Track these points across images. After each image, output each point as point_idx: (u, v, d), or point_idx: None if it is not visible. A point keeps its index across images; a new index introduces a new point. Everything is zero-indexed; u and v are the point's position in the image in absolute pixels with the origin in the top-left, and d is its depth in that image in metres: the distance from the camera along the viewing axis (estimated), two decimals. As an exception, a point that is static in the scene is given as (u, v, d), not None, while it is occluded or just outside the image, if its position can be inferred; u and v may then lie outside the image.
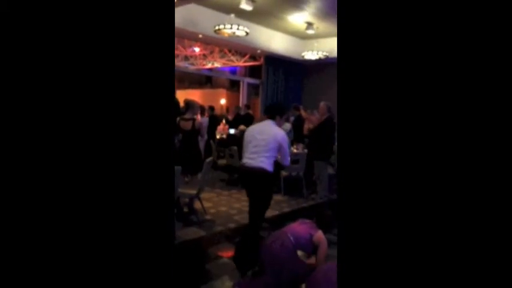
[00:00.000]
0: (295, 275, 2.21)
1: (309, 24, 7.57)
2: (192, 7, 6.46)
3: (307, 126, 5.53)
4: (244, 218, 4.03)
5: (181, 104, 5.82)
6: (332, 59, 8.62)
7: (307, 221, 2.51)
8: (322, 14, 6.98)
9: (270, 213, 4.29)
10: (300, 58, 8.75)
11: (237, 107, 8.18)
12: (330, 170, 5.01)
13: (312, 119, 5.44)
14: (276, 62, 9.45)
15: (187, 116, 4.12)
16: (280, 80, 9.76)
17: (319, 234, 2.33)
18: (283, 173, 5.10)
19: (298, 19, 7.43)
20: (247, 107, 7.84)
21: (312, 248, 2.32)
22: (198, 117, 4.35)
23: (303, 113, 6.18)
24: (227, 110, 6.90)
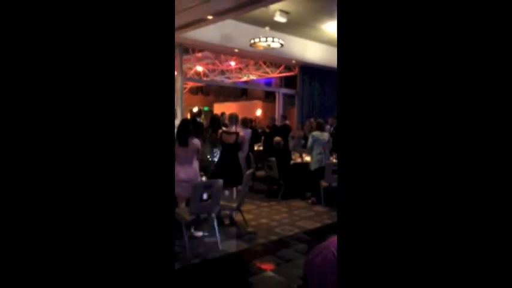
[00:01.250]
0: None
1: (344, 32, 7.47)
2: (228, 22, 6.63)
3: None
4: (285, 230, 3.99)
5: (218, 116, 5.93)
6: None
7: None
8: (358, 21, 6.87)
9: (311, 225, 4.24)
10: (335, 67, 8.63)
11: (272, 118, 8.16)
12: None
13: None
14: (311, 72, 9.41)
15: (230, 129, 4.20)
16: (315, 89, 9.69)
17: None
18: (323, 184, 5.02)
19: (332, 27, 7.37)
20: (284, 117, 7.80)
21: None
22: (240, 130, 4.42)
23: None
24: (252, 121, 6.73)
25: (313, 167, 5.14)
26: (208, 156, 4.62)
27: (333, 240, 2.44)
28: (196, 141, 3.50)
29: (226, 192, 4.40)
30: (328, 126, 6.25)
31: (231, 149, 4.16)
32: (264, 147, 6.65)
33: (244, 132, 6.12)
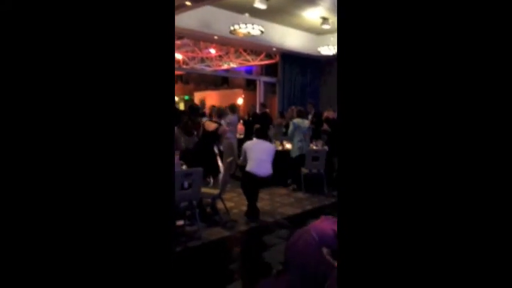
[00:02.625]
0: (320, 274, 2.19)
1: (324, 19, 7.48)
2: (206, 9, 6.51)
3: (326, 115, 5.58)
4: (266, 217, 4.04)
5: (197, 104, 5.88)
6: (349, 53, 8.49)
7: (330, 217, 2.48)
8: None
9: (291, 211, 4.30)
10: (316, 54, 8.67)
11: (253, 106, 8.15)
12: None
13: (331, 116, 5.41)
14: (292, 59, 9.40)
15: (214, 119, 4.23)
16: (296, 77, 9.70)
17: None
18: (304, 170, 5.08)
19: (313, 15, 7.36)
20: (264, 106, 7.83)
21: (337, 244, 2.28)
22: (223, 124, 4.50)
23: (330, 113, 6.08)
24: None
25: (294, 154, 5.19)
26: (183, 145, 4.61)
27: (313, 224, 2.49)
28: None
29: (211, 181, 4.39)
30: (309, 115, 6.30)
31: (208, 137, 4.14)
32: (244, 135, 6.65)
33: (232, 118, 6.15)
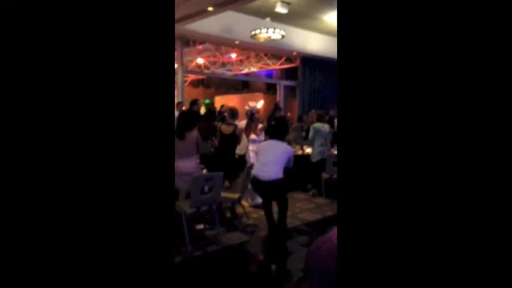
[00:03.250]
0: None
1: (346, 23, 7.40)
2: (228, 14, 6.57)
3: None
4: (287, 223, 4.01)
5: (218, 108, 5.88)
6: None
7: None
8: (360, 11, 6.79)
9: (312, 217, 4.25)
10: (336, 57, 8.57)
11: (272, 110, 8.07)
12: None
13: None
14: (312, 63, 9.34)
15: (229, 121, 4.22)
16: (317, 81, 9.63)
17: None
18: (325, 175, 5.01)
19: (333, 18, 7.29)
20: (280, 109, 7.70)
21: None
22: (240, 123, 4.47)
23: None
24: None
25: (314, 159, 5.13)
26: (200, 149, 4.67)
27: (335, 231, 2.44)
28: (193, 134, 3.49)
29: (226, 184, 4.41)
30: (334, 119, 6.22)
31: (228, 141, 4.15)
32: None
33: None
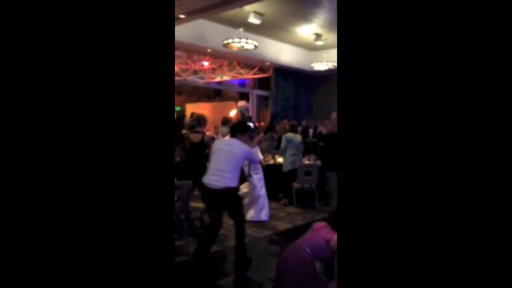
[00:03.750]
0: None
1: (318, 36, 7.58)
2: (201, 22, 6.54)
3: (319, 130, 5.61)
4: (256, 232, 3.96)
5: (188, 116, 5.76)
6: (341, 69, 8.58)
7: (322, 224, 2.38)
8: (331, 25, 6.98)
9: (283, 226, 4.23)
10: (309, 69, 8.75)
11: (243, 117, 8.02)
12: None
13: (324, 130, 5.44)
14: (285, 74, 9.47)
15: (197, 129, 4.14)
16: (289, 91, 9.75)
17: (335, 239, 2.19)
18: (296, 185, 5.03)
19: (306, 31, 7.46)
20: (249, 118, 7.66)
21: (331, 255, 2.19)
22: (207, 131, 4.39)
23: (323, 128, 6.07)
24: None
25: (286, 169, 5.15)
26: None
27: (306, 238, 2.42)
28: None
29: (196, 193, 4.31)
30: (310, 129, 6.27)
31: (196, 149, 4.08)
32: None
33: (226, 131, 6.05)
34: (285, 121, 6.51)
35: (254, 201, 4.35)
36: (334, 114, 4.80)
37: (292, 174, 5.04)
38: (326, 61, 8.16)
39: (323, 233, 2.26)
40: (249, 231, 3.98)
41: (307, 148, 5.76)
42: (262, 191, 4.39)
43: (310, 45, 8.38)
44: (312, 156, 5.65)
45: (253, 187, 4.33)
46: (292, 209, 4.91)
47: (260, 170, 4.43)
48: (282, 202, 5.19)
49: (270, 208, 4.91)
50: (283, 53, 8.67)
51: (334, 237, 2.19)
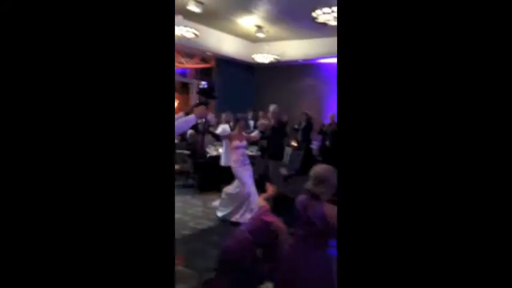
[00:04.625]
0: (256, 274, 2.13)
1: (259, 28, 7.65)
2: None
3: (261, 122, 5.69)
4: (199, 224, 3.94)
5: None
6: (283, 62, 8.79)
7: (264, 208, 2.40)
8: (272, 18, 7.08)
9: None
10: (252, 61, 8.81)
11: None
12: (284, 171, 5.09)
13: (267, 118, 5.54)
14: (227, 65, 9.42)
15: None
16: (231, 82, 9.74)
17: (276, 223, 2.23)
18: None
19: (247, 22, 7.47)
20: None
21: (273, 237, 2.23)
22: None
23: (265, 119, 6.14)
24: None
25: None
26: None
27: (248, 224, 2.44)
28: None
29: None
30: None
31: None
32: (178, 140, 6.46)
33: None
34: (227, 113, 6.51)
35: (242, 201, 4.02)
36: (275, 107, 4.93)
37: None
38: (268, 53, 8.28)
39: (265, 217, 2.30)
40: (192, 223, 3.95)
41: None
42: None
43: (252, 36, 8.43)
44: (254, 148, 5.75)
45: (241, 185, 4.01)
46: (234, 200, 4.95)
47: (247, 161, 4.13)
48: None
49: (212, 199, 4.92)
50: (225, 43, 8.61)
51: (275, 221, 2.25)
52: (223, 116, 6.54)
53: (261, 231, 2.26)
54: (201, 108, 2.16)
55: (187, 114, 2.15)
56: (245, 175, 4.02)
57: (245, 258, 2.17)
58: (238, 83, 9.89)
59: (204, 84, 3.50)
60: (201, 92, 2.73)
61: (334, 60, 9.20)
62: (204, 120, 4.13)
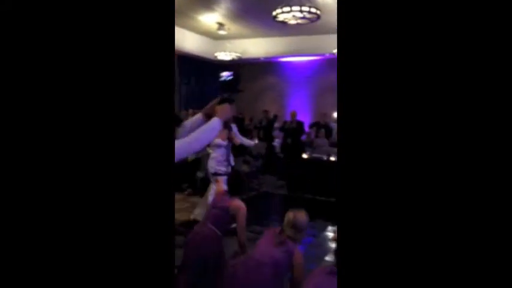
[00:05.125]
0: (220, 264, 2.13)
1: (220, 25, 7.63)
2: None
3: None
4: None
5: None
6: (245, 59, 8.84)
7: (222, 196, 2.43)
8: (233, 16, 7.09)
9: (187, 216, 4.23)
10: (213, 58, 8.77)
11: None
12: (245, 168, 5.17)
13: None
14: (188, 62, 9.31)
15: None
16: (194, 80, 9.64)
17: (234, 204, 2.26)
18: (200, 174, 5.08)
19: (209, 19, 7.43)
20: None
21: (231, 221, 2.27)
22: None
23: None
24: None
25: (190, 158, 5.14)
26: None
27: (208, 215, 2.40)
28: None
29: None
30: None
31: None
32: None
33: None
34: (190, 110, 6.46)
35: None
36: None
37: (196, 163, 5.07)
38: (229, 51, 8.28)
39: (223, 203, 2.30)
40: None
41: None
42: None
43: (214, 34, 8.39)
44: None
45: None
46: (196, 199, 4.93)
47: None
48: (186, 192, 5.19)
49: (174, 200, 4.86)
50: (186, 40, 8.49)
51: (232, 203, 2.26)
52: (186, 113, 6.48)
53: (221, 218, 2.24)
54: (225, 107, 1.52)
55: (207, 117, 1.56)
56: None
57: (207, 249, 2.13)
58: (200, 80, 9.80)
59: (227, 75, 2.61)
60: (224, 85, 2.10)
61: (295, 58, 9.40)
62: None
